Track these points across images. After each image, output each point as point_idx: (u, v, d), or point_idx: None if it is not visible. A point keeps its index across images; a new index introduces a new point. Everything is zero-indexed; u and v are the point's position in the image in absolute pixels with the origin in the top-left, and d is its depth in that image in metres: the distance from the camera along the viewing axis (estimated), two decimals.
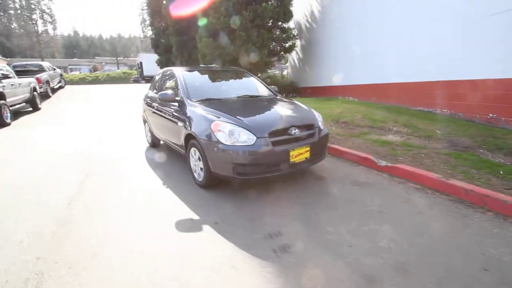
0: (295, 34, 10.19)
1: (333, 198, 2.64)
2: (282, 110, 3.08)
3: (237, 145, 2.50)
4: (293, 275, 1.64)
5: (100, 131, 6.07)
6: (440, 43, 5.04)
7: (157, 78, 4.63)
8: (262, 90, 3.95)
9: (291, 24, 10.43)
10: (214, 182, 2.83)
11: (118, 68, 45.42)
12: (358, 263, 1.72)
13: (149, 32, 21.64)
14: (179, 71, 3.75)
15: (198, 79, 3.76)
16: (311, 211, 2.39)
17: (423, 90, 5.53)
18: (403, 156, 3.40)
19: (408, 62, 5.84)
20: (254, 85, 4.03)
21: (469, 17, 4.45)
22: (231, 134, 2.53)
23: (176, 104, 3.37)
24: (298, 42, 10.96)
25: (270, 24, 9.81)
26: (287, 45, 10.28)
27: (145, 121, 4.95)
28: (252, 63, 9.46)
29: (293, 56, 12.00)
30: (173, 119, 3.37)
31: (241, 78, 4.17)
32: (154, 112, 4.14)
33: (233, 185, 2.91)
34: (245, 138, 2.51)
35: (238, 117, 2.71)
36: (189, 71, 3.90)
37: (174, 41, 12.79)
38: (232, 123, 2.61)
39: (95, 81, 30.77)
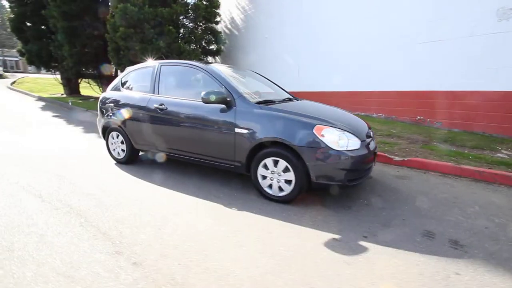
0: (224, 38, 10.04)
1: (399, 193, 2.93)
2: (342, 112, 3.11)
3: (348, 149, 2.37)
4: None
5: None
6: (373, 60, 6.36)
7: (145, 75, 3.54)
8: (282, 90, 3.78)
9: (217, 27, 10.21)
10: (301, 193, 2.53)
11: None
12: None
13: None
14: (213, 66, 3.09)
15: (235, 78, 3.19)
16: (401, 207, 2.58)
17: (361, 98, 6.79)
18: (393, 151, 4.14)
19: (346, 73, 7.01)
20: (273, 85, 3.81)
21: (399, 42, 5.87)
22: (341, 138, 2.37)
23: (216, 108, 2.78)
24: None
25: (202, 24, 9.25)
26: (214, 48, 9.99)
27: (112, 130, 3.72)
28: None
29: (217, 61, 11.76)
30: (217, 127, 2.77)
31: (255, 77, 3.84)
32: (153, 118, 3.21)
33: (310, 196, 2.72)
34: (353, 142, 2.42)
35: (329, 120, 2.56)
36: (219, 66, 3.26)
37: (60, 27, 9.79)
38: (337, 127, 2.44)
39: None
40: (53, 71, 12.89)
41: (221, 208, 2.51)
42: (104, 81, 11.85)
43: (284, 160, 2.47)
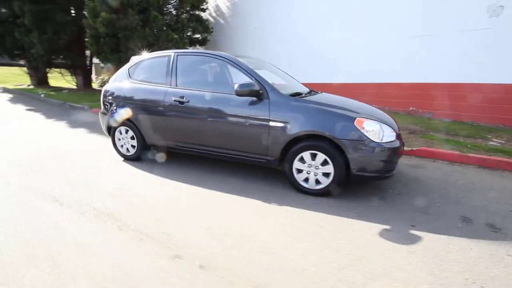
0: (211, 27, 9.67)
1: (421, 181, 3.07)
2: (366, 105, 3.15)
3: (386, 141, 2.42)
4: None
5: None
6: (368, 52, 6.53)
7: (158, 65, 3.30)
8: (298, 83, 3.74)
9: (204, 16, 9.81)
10: (339, 185, 2.55)
11: None
12: None
13: None
14: (235, 58, 2.94)
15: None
16: (430, 195, 2.71)
17: (355, 90, 6.97)
18: None
19: (340, 65, 7.13)
20: (286, 76, 3.74)
21: (393, 35, 6.06)
22: (380, 130, 2.41)
23: (246, 101, 2.69)
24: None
25: (187, 11, 8.82)
26: (200, 37, 9.61)
27: (120, 125, 3.45)
28: None
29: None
30: (249, 121, 2.69)
31: (269, 68, 3.74)
32: (172, 112, 3.05)
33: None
34: (390, 134, 2.47)
35: (366, 112, 2.59)
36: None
37: (28, 10, 8.78)
38: (375, 119, 2.47)
39: None
40: (17, 59, 11.63)
41: (261, 205, 2.45)
42: (78, 71, 10.95)
43: (323, 153, 2.46)
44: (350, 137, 2.38)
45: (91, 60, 11.38)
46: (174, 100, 3.01)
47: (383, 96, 6.57)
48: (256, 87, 2.60)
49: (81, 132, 5.22)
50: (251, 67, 2.82)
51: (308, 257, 1.75)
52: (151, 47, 7.97)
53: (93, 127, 5.46)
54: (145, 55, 3.55)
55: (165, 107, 3.08)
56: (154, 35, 7.96)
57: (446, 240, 1.96)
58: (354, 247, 1.85)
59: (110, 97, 3.52)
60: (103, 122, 3.67)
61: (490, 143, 4.40)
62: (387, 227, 2.11)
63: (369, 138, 2.36)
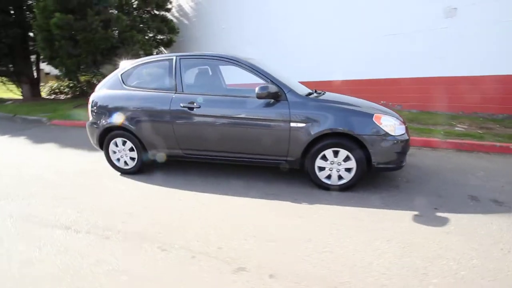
0: (177, 27, 9.30)
1: (420, 168, 3.36)
2: (370, 102, 3.34)
3: (400, 134, 2.61)
4: None
5: None
6: (339, 51, 6.92)
7: (158, 70, 3.10)
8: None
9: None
10: (360, 179, 2.68)
11: None
12: None
13: None
14: (246, 60, 2.90)
15: None
16: (434, 180, 3.01)
17: (327, 87, 7.32)
18: None
19: (311, 64, 7.42)
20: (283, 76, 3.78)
21: (364, 34, 6.51)
22: (395, 124, 2.59)
23: (262, 103, 2.69)
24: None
25: (150, 10, 8.36)
26: (165, 38, 9.19)
27: (115, 137, 3.19)
28: (133, 57, 7.65)
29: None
30: (268, 123, 2.69)
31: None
32: (180, 119, 2.89)
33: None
34: (401, 127, 2.67)
35: (380, 109, 2.76)
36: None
37: None
38: (389, 115, 2.65)
39: None
40: None
41: (293, 206, 2.47)
42: (24, 79, 9.64)
43: (345, 149, 2.56)
44: (370, 132, 2.52)
45: (37, 66, 10.12)
46: (183, 106, 2.86)
47: (356, 92, 7.01)
48: (275, 89, 2.60)
49: (52, 148, 4.64)
50: (267, 69, 2.82)
51: (365, 251, 1.82)
52: (115, 50, 7.42)
53: (62, 142, 4.91)
54: (137, 60, 3.29)
55: (172, 114, 2.90)
56: (118, 37, 7.39)
57: (468, 218, 2.19)
58: (400, 235, 1.97)
59: (101, 107, 3.19)
60: (92, 135, 3.32)
61: (456, 128, 5.01)
62: (416, 212, 2.29)
63: (387, 133, 2.54)
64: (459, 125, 5.19)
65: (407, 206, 2.39)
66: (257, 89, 2.55)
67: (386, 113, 2.67)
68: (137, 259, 1.79)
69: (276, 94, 2.61)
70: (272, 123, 2.68)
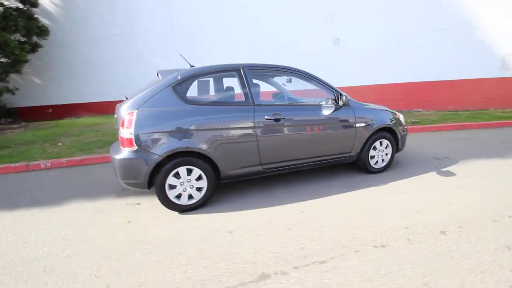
0: (47, 28, 6.94)
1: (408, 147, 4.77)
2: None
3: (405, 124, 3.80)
4: None
5: None
6: None
7: (221, 82, 2.72)
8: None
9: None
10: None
11: None
12: None
13: None
14: (308, 72, 3.15)
15: None
16: (413, 153, 4.48)
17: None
18: None
19: None
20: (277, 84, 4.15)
21: (283, 51, 7.74)
22: (403, 117, 3.74)
23: (332, 109, 3.15)
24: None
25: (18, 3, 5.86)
26: (33, 41, 6.71)
27: (177, 166, 2.52)
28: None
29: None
30: (341, 125, 3.19)
31: None
32: (264, 132, 2.79)
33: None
34: (403, 119, 3.86)
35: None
36: None
37: None
38: (394, 111, 3.76)
39: None
40: None
41: (356, 196, 2.85)
42: None
43: (387, 139, 3.45)
44: (398, 124, 3.55)
45: None
46: (267, 119, 2.73)
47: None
48: (347, 97, 3.09)
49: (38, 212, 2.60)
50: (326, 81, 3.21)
51: (449, 219, 2.74)
52: None
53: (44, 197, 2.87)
54: (191, 70, 2.66)
55: (256, 128, 2.69)
56: None
57: (465, 171, 3.55)
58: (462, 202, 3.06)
59: (153, 131, 2.38)
60: (135, 171, 2.39)
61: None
62: (438, 176, 3.42)
63: (403, 123, 3.65)
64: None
65: (433, 173, 3.57)
66: (343, 98, 2.98)
67: (397, 111, 3.81)
68: None
69: (348, 102, 3.11)
70: (344, 126, 3.16)
